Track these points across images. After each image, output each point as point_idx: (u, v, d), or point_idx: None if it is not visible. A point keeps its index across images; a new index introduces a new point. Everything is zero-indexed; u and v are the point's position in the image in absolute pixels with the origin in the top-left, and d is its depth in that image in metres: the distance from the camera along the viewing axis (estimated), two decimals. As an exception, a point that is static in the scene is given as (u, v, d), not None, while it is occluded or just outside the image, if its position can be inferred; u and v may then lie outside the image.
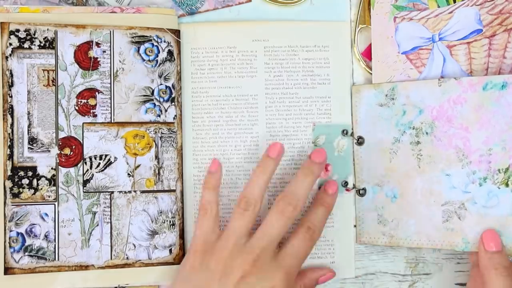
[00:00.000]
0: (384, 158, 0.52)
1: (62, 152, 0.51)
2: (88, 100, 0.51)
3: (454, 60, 0.51)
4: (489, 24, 0.50)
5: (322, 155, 0.50)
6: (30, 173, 0.50)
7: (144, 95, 0.52)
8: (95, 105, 0.51)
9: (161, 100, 0.52)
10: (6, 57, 0.50)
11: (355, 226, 0.54)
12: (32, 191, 0.50)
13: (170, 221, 0.52)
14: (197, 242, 0.48)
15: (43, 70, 0.51)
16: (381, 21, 0.53)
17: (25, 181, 0.50)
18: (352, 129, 0.54)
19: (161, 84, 0.52)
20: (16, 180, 0.50)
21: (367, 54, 0.54)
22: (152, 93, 0.52)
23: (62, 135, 0.51)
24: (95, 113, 0.51)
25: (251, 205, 0.47)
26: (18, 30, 0.50)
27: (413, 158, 0.51)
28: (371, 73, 0.54)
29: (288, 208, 0.47)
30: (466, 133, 0.49)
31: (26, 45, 0.50)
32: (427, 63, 0.52)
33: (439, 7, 0.51)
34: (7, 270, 0.49)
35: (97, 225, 0.51)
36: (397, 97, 0.51)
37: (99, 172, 0.51)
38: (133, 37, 0.52)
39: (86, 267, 0.51)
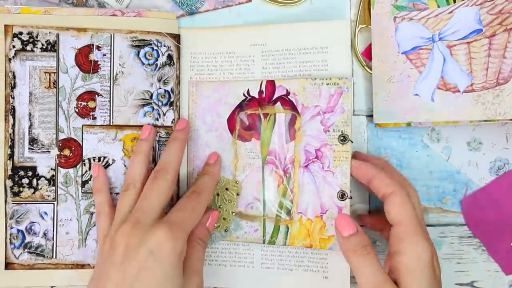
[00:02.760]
0: None
1: (62, 153, 0.52)
2: (88, 103, 0.52)
3: (454, 60, 0.49)
4: (489, 24, 0.48)
5: (183, 123, 0.52)
6: (30, 173, 0.51)
7: (143, 99, 0.52)
8: (95, 107, 0.52)
9: (160, 104, 0.53)
10: (9, 59, 0.51)
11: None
12: (32, 190, 0.52)
13: (168, 223, 0.52)
14: (99, 238, 0.50)
15: (45, 72, 0.52)
16: (381, 21, 0.51)
17: (25, 181, 0.51)
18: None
19: (160, 88, 0.53)
20: (16, 179, 0.51)
21: (367, 54, 0.53)
22: (151, 96, 0.53)
23: (62, 136, 0.52)
24: (95, 116, 0.52)
25: (130, 184, 0.48)
26: (21, 33, 0.51)
27: None
28: (371, 73, 0.52)
29: (159, 173, 0.48)
30: None
31: (28, 47, 0.51)
32: (427, 63, 0.50)
33: (439, 7, 0.50)
34: (8, 265, 0.51)
35: (94, 225, 0.52)
36: None
37: (96, 173, 0.52)
38: (133, 41, 0.52)
39: (82, 266, 0.52)
